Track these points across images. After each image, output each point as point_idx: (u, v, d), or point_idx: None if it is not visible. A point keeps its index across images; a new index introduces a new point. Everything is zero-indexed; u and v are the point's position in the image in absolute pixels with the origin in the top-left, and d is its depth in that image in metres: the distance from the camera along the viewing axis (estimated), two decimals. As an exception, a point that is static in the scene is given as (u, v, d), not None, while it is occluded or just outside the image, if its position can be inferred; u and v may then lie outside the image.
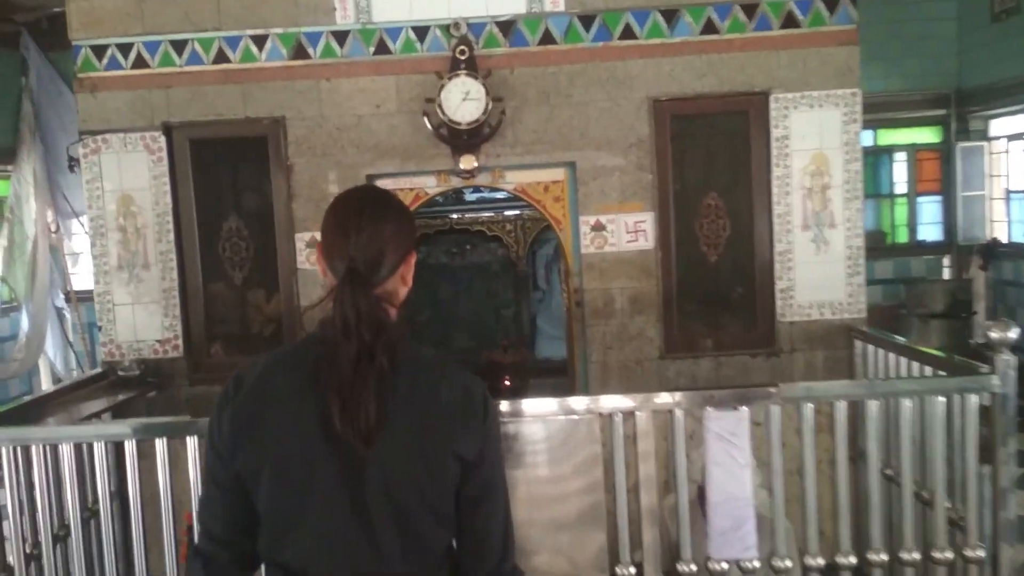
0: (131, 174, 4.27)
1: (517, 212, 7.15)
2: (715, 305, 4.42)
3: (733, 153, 4.35)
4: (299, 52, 4.22)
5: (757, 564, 2.69)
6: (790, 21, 4.19)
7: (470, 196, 7.40)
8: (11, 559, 2.82)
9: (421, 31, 4.20)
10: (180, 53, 4.23)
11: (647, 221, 4.27)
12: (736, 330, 4.38)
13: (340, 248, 1.48)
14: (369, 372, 1.39)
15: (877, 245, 7.30)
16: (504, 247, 7.38)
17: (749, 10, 4.19)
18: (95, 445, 2.80)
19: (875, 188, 7.97)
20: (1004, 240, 7.51)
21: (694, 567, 2.69)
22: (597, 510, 2.87)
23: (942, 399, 2.73)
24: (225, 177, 4.47)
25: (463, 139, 4.13)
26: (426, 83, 4.14)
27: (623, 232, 4.28)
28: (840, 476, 2.73)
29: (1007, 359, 2.71)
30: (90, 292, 4.62)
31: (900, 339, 3.71)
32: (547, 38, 4.20)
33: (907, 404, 2.75)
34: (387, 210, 1.55)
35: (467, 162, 4.18)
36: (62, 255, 6.80)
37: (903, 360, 3.48)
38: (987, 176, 7.61)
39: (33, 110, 6.35)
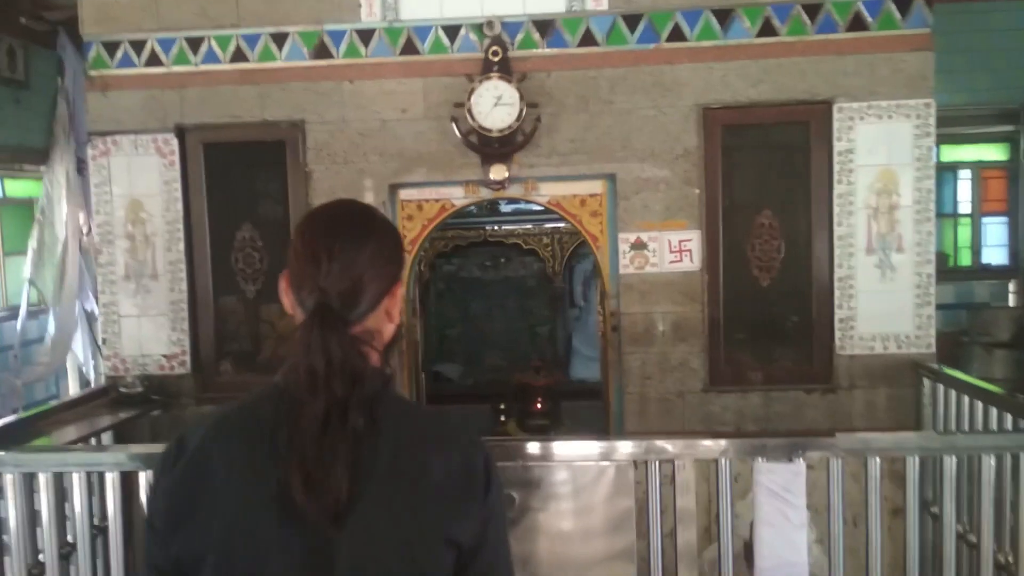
0: (141, 178, 4.19)
1: (555, 225, 7.08)
2: (766, 335, 4.20)
3: (790, 168, 4.15)
4: (321, 51, 4.10)
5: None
6: (857, 23, 3.97)
7: (505, 207, 7.34)
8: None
9: (452, 30, 4.07)
10: (196, 51, 4.14)
11: (693, 240, 4.07)
12: (789, 363, 4.17)
13: (309, 278, 1.24)
14: (340, 435, 1.16)
15: (939, 268, 7.00)
16: (540, 261, 7.29)
17: (812, 11, 3.98)
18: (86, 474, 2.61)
19: (938, 207, 7.59)
20: (1076, 265, 7.23)
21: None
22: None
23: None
24: (240, 183, 4.34)
25: (494, 147, 3.99)
26: (456, 86, 4.00)
27: (666, 251, 4.07)
28: (910, 535, 2.50)
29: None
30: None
31: (981, 383, 3.39)
32: (588, 39, 4.03)
33: (990, 462, 2.49)
34: (368, 230, 1.30)
35: (498, 172, 4.02)
36: (94, 258, 6.74)
37: (978, 403, 3.22)
38: (1058, 196, 7.37)
39: (68, 111, 6.34)
